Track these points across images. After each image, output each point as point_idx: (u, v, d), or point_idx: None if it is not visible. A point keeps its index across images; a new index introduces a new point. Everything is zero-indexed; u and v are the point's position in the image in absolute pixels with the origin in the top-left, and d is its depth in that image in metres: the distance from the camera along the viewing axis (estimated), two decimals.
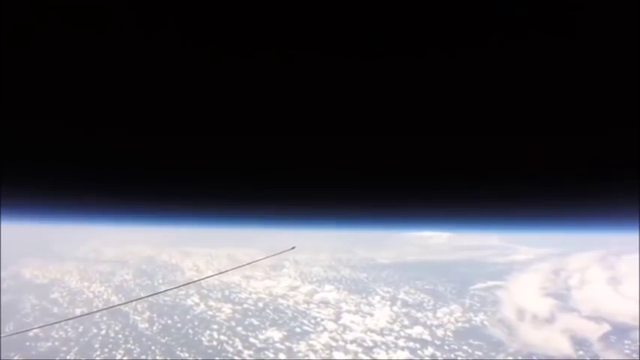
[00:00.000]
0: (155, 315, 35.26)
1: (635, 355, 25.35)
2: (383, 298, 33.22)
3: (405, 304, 32.30)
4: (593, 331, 27.15)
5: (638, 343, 25.65)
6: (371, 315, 31.44)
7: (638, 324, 26.20)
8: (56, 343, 31.84)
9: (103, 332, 33.90)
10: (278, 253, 8.26)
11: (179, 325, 33.53)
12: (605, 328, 27.32)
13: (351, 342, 29.50)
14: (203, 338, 31.98)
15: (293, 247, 8.41)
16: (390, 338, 29.39)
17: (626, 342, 26.28)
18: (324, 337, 30.19)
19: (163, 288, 37.41)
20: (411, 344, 28.71)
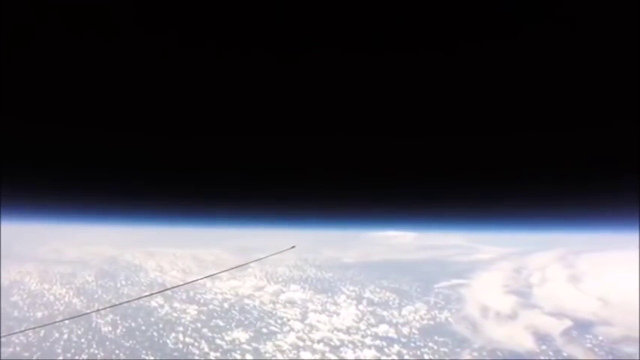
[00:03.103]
0: (118, 318, 35.37)
1: (597, 349, 26.51)
2: (349, 297, 33.94)
3: (370, 302, 33.10)
4: (555, 327, 28.36)
5: (599, 338, 26.81)
6: (337, 314, 32.17)
7: (597, 319, 27.35)
8: (17, 349, 31.82)
9: (65, 337, 33.93)
10: (278, 253, 8.47)
11: (143, 327, 33.74)
12: (567, 323, 28.57)
13: (318, 341, 30.20)
14: (168, 341, 32.29)
15: (293, 247, 8.53)
16: (357, 337, 30.17)
17: (587, 336, 27.61)
18: (291, 337, 30.82)
19: (127, 290, 37.50)
20: (378, 342, 29.54)
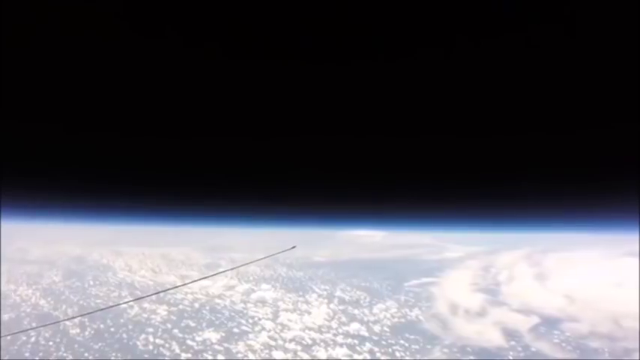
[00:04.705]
0: (87, 319, 34.95)
1: (564, 344, 27.07)
2: (320, 296, 34.05)
3: (341, 301, 33.30)
4: (523, 323, 29.02)
5: (566, 333, 27.36)
6: (309, 313, 32.26)
7: (564, 315, 27.95)
8: None
9: (33, 340, 33.46)
10: (278, 253, 8.54)
11: (112, 329, 33.45)
12: (535, 320, 29.22)
13: (290, 340, 30.29)
14: (138, 342, 32.10)
15: (294, 247, 8.58)
16: (329, 335, 30.32)
17: (554, 332, 28.35)
18: (263, 337, 30.84)
19: (94, 290, 36.84)
20: (350, 340, 29.76)
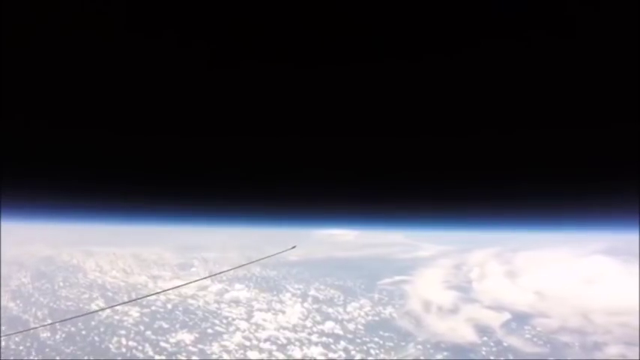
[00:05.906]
0: (57, 323, 34.27)
1: (536, 339, 27.47)
2: (294, 295, 33.93)
3: (316, 300, 33.30)
4: (495, 319, 29.46)
5: (537, 329, 27.76)
6: (283, 312, 32.15)
7: (535, 312, 28.44)
8: None
9: (3, 344, 32.68)
10: (278, 253, 8.55)
11: (84, 332, 32.89)
12: (506, 316, 29.68)
13: (265, 340, 30.18)
14: (111, 345, 31.72)
15: (294, 247, 8.54)
16: (304, 334, 30.30)
17: (525, 328, 28.69)
18: (237, 337, 30.68)
19: (65, 292, 36.01)
20: (324, 339, 29.82)
